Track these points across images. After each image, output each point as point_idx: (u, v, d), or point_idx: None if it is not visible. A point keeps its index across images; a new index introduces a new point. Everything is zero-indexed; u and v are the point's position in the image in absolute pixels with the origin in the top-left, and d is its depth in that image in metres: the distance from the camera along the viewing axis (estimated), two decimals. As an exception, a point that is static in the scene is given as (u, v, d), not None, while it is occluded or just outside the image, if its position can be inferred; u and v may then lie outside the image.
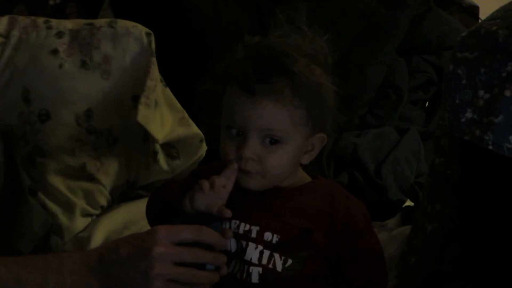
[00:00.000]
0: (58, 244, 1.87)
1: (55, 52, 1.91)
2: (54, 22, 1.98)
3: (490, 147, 1.26)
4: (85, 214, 1.94)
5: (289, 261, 1.33)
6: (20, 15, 2.04)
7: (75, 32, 1.94)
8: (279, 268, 1.33)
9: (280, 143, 1.31)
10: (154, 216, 1.46)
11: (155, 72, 1.91)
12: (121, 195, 2.04)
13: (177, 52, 2.39)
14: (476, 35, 1.33)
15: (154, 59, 1.91)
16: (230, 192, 1.35)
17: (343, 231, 1.35)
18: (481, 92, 1.29)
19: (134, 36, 1.92)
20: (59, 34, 1.93)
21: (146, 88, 1.87)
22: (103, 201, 1.96)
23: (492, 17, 1.36)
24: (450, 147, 1.47)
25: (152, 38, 1.94)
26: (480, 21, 2.87)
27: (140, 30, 1.95)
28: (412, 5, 2.64)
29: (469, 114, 1.30)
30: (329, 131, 1.36)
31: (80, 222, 1.93)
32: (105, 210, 2.01)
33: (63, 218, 1.89)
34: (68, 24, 1.97)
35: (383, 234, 1.89)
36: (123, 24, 1.95)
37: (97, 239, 1.90)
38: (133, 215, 1.94)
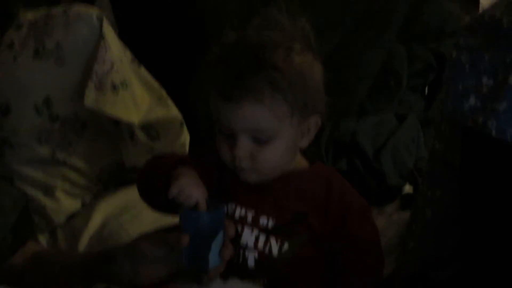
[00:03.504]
0: (42, 225, 1.89)
1: (11, 45, 1.91)
2: (21, 14, 1.97)
3: (494, 134, 1.26)
4: (72, 195, 1.95)
5: (285, 246, 1.34)
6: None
7: (33, 23, 1.93)
8: (275, 252, 1.34)
9: (270, 140, 1.31)
10: (147, 186, 1.44)
11: (108, 55, 1.89)
12: (114, 177, 2.04)
13: (174, 40, 2.39)
14: (479, 22, 1.32)
15: (103, 42, 1.89)
16: (227, 176, 1.36)
17: (338, 216, 1.36)
18: (484, 79, 1.29)
19: (85, 20, 1.91)
20: (18, 27, 1.93)
21: (94, 72, 1.86)
22: (85, 182, 1.96)
23: (495, 4, 1.36)
24: (451, 133, 1.47)
25: (103, 21, 1.92)
26: (480, 7, 2.88)
27: (91, 14, 1.93)
28: (411, -10, 2.63)
29: (472, 101, 1.30)
30: (322, 112, 1.36)
31: (68, 203, 1.94)
32: (102, 193, 2.03)
33: (45, 200, 1.91)
34: (30, 16, 1.96)
35: (382, 219, 1.90)
36: (76, 9, 1.94)
37: (95, 222, 1.92)
38: (130, 199, 1.95)
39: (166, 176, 1.34)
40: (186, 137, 2.04)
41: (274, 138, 1.31)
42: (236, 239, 1.35)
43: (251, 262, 1.35)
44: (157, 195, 1.37)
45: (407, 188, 2.24)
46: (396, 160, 2.26)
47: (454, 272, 1.46)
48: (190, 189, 1.31)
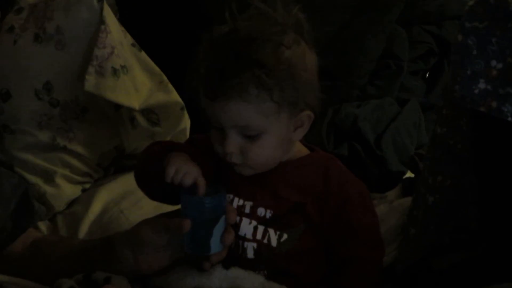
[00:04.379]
0: (42, 212, 1.88)
1: (11, 29, 1.89)
2: None
3: (510, 119, 1.25)
4: (72, 181, 1.94)
5: (284, 236, 1.34)
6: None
7: (33, 7, 1.91)
8: (274, 243, 1.33)
9: (260, 135, 1.30)
10: (143, 174, 1.44)
11: (108, 39, 1.87)
12: (114, 163, 2.03)
13: (174, 24, 2.38)
14: (485, 4, 1.31)
15: (103, 27, 1.87)
16: (224, 167, 1.36)
17: (336, 206, 1.35)
18: (493, 62, 1.28)
19: (86, 4, 1.88)
20: (18, 11, 1.91)
21: (94, 57, 1.85)
22: (85, 168, 1.95)
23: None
24: (453, 117, 1.46)
25: (103, 4, 1.90)
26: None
27: None
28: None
29: (482, 85, 1.29)
30: (314, 106, 1.34)
31: (69, 189, 1.93)
32: (102, 180, 2.02)
33: (45, 186, 1.89)
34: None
35: (383, 205, 1.89)
36: None
37: (95, 208, 1.91)
38: (130, 185, 1.92)
39: (160, 160, 1.33)
40: (187, 122, 2.03)
41: (263, 134, 1.30)
42: (235, 230, 1.35)
43: (250, 253, 1.34)
44: (154, 182, 1.37)
45: (408, 173, 2.24)
46: (397, 145, 2.26)
47: (456, 261, 1.46)
48: (186, 166, 1.31)
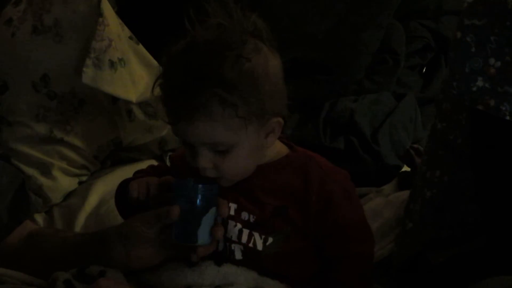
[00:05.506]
0: (39, 204, 1.88)
1: (9, 21, 1.89)
2: None
3: (508, 117, 1.25)
4: (69, 174, 1.94)
5: (270, 240, 1.33)
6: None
7: None
8: (259, 247, 1.33)
9: (230, 149, 1.29)
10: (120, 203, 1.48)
11: (106, 32, 1.87)
12: (111, 156, 2.03)
13: (172, 18, 2.37)
14: (484, 2, 1.32)
15: (101, 19, 1.86)
16: None
17: (319, 207, 1.33)
18: (492, 60, 1.28)
19: None
20: (16, 3, 1.91)
21: (92, 49, 1.85)
22: (82, 161, 1.95)
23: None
24: (453, 112, 1.47)
25: None
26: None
27: None
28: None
29: (480, 83, 1.29)
30: (282, 111, 1.32)
31: (65, 181, 1.93)
32: (99, 172, 2.02)
33: (42, 179, 1.89)
34: None
35: (379, 199, 1.89)
36: None
37: (92, 201, 1.92)
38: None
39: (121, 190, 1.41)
40: None
41: (233, 147, 1.28)
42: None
43: (238, 255, 1.34)
44: (129, 207, 1.41)
45: (405, 167, 2.24)
46: (394, 140, 2.26)
47: (453, 254, 1.47)
48: (144, 180, 1.37)
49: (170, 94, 1.27)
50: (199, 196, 1.29)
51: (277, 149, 1.39)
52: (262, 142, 1.32)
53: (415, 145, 2.15)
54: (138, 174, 1.50)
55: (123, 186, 1.45)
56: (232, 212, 1.34)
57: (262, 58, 1.28)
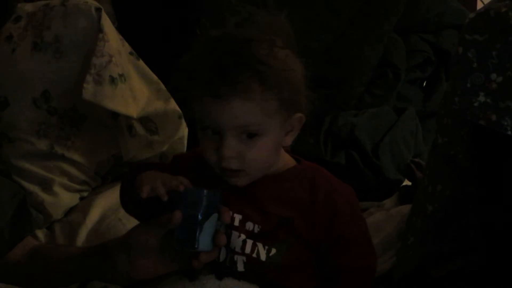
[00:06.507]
0: (40, 220, 1.87)
1: (9, 38, 1.88)
2: (19, 6, 1.95)
3: (509, 132, 1.26)
4: (70, 189, 1.93)
5: (273, 251, 1.32)
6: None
7: (31, 15, 1.91)
8: (263, 257, 1.32)
9: (258, 136, 1.29)
10: (124, 197, 1.46)
11: (106, 48, 1.87)
12: (112, 171, 2.03)
13: (172, 33, 2.38)
14: (485, 17, 1.32)
15: (101, 35, 1.86)
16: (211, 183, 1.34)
17: (324, 219, 1.33)
18: (493, 76, 1.28)
19: (84, 12, 1.88)
20: (16, 19, 1.91)
21: (92, 65, 1.85)
22: (83, 176, 1.95)
23: (500, -1, 1.36)
24: (454, 127, 1.47)
25: (102, 13, 1.89)
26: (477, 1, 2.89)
27: (89, 6, 1.89)
28: (410, -18, 2.63)
29: (482, 98, 1.29)
30: (305, 110, 1.33)
31: (66, 197, 1.92)
32: (100, 188, 2.01)
33: (43, 195, 1.88)
34: (28, 8, 1.93)
35: (380, 213, 1.89)
36: (75, 2, 1.90)
37: (93, 216, 1.90)
38: (128, 193, 1.94)
39: (131, 181, 1.35)
40: (184, 131, 2.02)
41: (262, 133, 1.29)
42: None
43: (240, 266, 1.33)
44: (134, 202, 1.38)
45: (405, 181, 2.24)
46: (394, 154, 2.27)
47: (454, 268, 1.46)
48: (160, 180, 1.32)
49: (210, 72, 1.26)
50: (201, 202, 1.29)
51: (285, 160, 1.39)
52: (282, 139, 1.33)
53: (416, 159, 2.16)
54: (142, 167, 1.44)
55: (130, 180, 1.40)
56: (236, 223, 1.33)
57: (291, 53, 1.31)
